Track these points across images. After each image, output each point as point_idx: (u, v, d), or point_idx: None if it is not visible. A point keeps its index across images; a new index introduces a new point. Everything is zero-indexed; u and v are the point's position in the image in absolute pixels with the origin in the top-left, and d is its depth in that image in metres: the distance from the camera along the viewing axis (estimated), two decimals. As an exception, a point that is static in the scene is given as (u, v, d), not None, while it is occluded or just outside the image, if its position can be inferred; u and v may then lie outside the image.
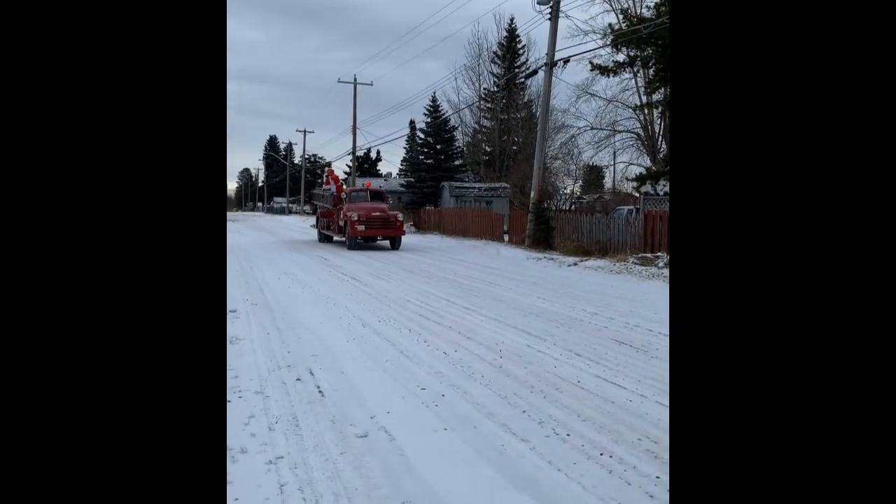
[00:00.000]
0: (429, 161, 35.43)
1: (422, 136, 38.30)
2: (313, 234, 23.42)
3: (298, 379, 4.56)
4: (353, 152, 37.61)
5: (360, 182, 32.01)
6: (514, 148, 32.89)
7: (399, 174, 46.80)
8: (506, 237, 19.92)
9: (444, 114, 37.10)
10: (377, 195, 19.31)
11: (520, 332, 6.28)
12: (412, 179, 34.46)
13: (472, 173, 35.36)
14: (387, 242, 18.14)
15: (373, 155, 56.79)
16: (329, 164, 30.07)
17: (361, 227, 17.14)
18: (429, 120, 36.77)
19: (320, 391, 4.29)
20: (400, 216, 17.61)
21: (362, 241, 17.30)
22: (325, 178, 21.91)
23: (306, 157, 64.14)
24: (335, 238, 19.42)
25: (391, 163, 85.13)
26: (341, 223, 18.24)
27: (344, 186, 20.31)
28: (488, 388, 4.39)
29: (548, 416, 3.82)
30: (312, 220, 38.08)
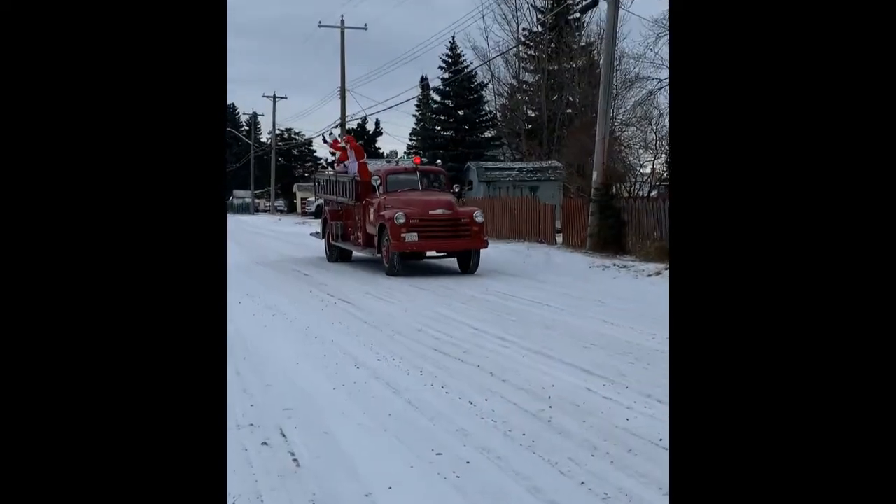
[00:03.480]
0: (448, 133, 35.50)
1: (437, 98, 38.31)
2: (301, 242, 22.44)
3: (265, 443, 4.61)
4: (343, 123, 37.55)
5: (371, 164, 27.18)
6: (569, 111, 32.80)
7: (408, 153, 46.52)
8: (559, 237, 20.09)
9: (467, 66, 37.11)
10: (432, 179, 15.89)
11: (577, 370, 6.33)
12: (426, 160, 34.52)
13: (509, 149, 35.15)
14: (448, 262, 15.30)
15: (370, 127, 56.39)
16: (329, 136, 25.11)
17: (412, 237, 13.90)
18: (447, 75, 36.86)
19: (295, 460, 4.35)
20: (479, 216, 14.46)
21: (402, 258, 14.24)
22: (336, 154, 18.31)
23: (278, 132, 63.95)
24: (358, 253, 16.31)
25: (396, 138, 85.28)
26: (372, 229, 15.00)
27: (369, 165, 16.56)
28: (531, 450, 4.43)
29: (616, 488, 3.83)
30: (287, 220, 37.14)
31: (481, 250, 14.66)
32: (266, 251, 21.03)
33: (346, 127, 37.80)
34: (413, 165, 16.33)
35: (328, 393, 5.79)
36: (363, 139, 56.68)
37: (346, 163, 17.08)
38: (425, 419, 5.07)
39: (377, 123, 57.50)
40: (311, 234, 20.89)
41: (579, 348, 7.24)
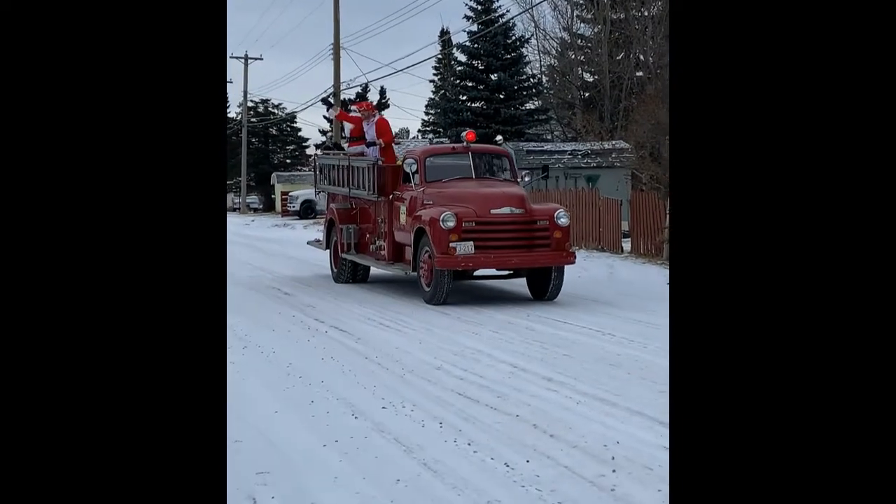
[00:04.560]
0: (476, 105, 33.60)
1: (463, 58, 35.56)
2: (282, 251, 21.63)
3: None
4: (336, 92, 35.03)
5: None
6: (639, 74, 30.18)
7: (424, 131, 43.60)
8: (626, 243, 18.99)
9: (502, 15, 34.32)
10: (492, 163, 13.33)
11: (650, 421, 6.04)
12: (446, 139, 32.16)
13: (558, 125, 32.73)
14: (513, 283, 12.99)
15: (373, 96, 53.09)
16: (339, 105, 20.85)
17: (466, 247, 11.28)
18: (475, 28, 34.36)
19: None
20: (562, 216, 12.05)
21: (451, 278, 11.74)
22: (346, 127, 15.80)
23: (251, 103, 59.54)
24: (381, 270, 14.34)
25: (407, 111, 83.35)
26: (404, 236, 12.75)
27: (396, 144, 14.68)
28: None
29: None
30: (262, 222, 34.87)
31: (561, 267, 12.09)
32: (235, 265, 17.66)
33: (341, 97, 35.88)
34: (463, 143, 13.27)
35: (317, 452, 5.47)
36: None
37: (363, 144, 14.25)
38: (446, 487, 4.77)
39: (382, 92, 54.52)
40: (309, 243, 18.29)
41: (654, 393, 6.73)
